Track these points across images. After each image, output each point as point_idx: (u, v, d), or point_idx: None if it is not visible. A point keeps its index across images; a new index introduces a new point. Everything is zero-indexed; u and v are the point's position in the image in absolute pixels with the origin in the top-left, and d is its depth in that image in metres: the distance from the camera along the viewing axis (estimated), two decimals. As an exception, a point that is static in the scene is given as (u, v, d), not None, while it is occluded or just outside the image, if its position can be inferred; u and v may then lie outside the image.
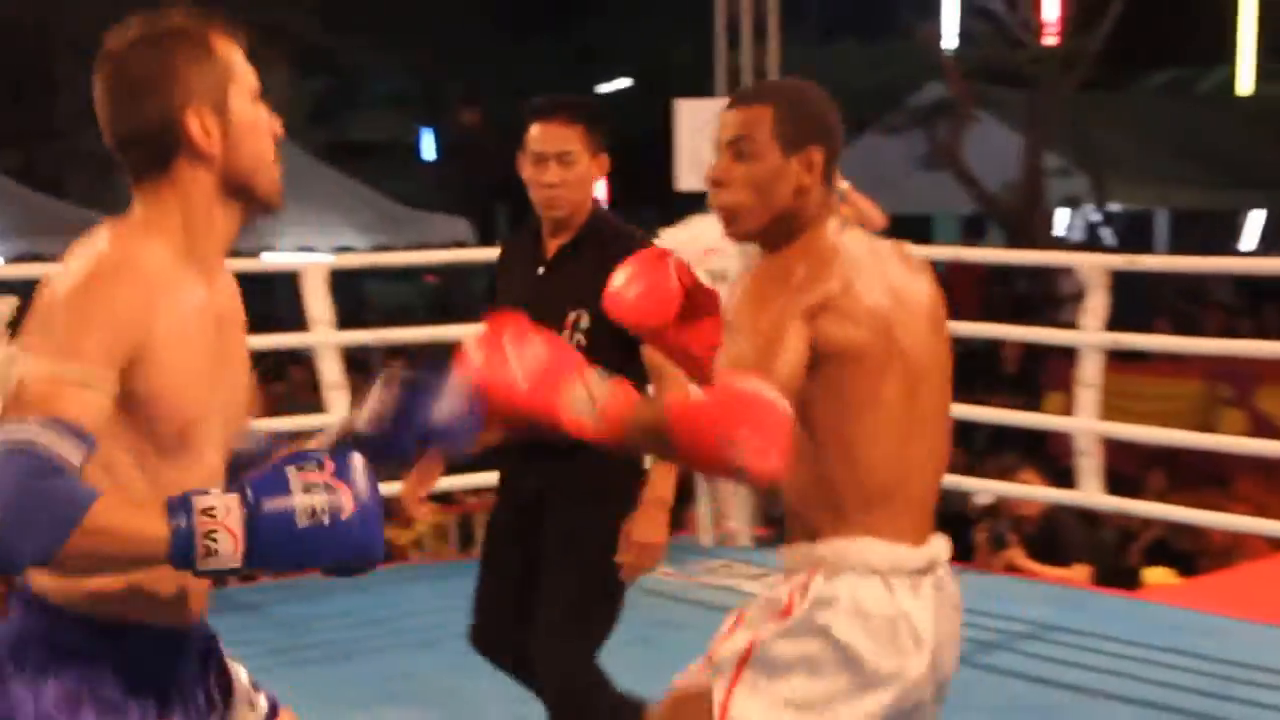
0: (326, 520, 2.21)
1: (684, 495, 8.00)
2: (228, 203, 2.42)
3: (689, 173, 7.87)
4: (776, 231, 2.91)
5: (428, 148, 29.11)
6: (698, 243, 7.50)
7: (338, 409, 7.03)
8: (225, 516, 2.14)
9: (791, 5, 9.85)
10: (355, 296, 16.86)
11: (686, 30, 20.55)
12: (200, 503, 2.15)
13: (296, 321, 7.95)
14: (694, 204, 8.04)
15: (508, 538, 4.39)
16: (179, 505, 2.14)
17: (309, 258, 7.94)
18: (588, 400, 2.66)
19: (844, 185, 7.56)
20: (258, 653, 4.48)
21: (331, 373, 7.23)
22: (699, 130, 7.82)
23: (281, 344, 8.55)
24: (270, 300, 14.52)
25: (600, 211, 4.39)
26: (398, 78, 28.04)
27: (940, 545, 2.97)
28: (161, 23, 2.40)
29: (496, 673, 5.26)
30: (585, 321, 4.10)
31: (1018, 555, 7.78)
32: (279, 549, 2.20)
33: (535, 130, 4.22)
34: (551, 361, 2.69)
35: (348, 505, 2.23)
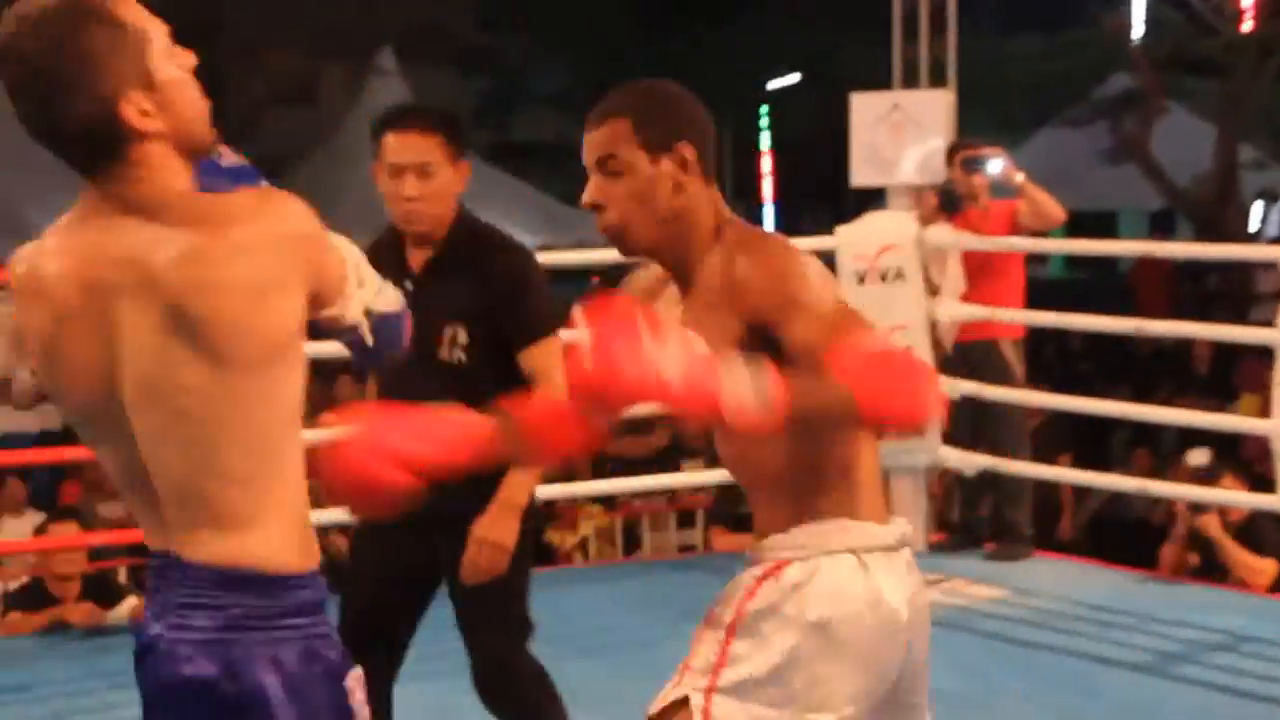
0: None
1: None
2: (180, 152, 2.34)
3: (864, 167, 7.72)
4: (672, 235, 2.86)
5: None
6: (873, 239, 7.39)
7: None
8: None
9: (970, -1, 9.67)
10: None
11: (856, 24, 20.40)
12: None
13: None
14: (868, 200, 7.90)
15: (382, 549, 4.23)
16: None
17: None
18: (750, 390, 2.50)
19: (1019, 178, 7.39)
20: (427, 654, 4.51)
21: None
22: (874, 124, 7.68)
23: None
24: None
25: (466, 219, 4.17)
26: (560, 77, 28.18)
27: (905, 525, 2.90)
28: (56, 5, 2.25)
29: (661, 678, 5.15)
30: (463, 337, 4.01)
31: (1213, 524, 7.37)
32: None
33: (391, 141, 4.01)
34: (694, 356, 2.53)
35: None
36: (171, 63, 2.33)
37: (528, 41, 26.55)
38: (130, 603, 6.70)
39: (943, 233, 7.40)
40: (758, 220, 28.10)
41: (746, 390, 2.48)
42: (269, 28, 24.62)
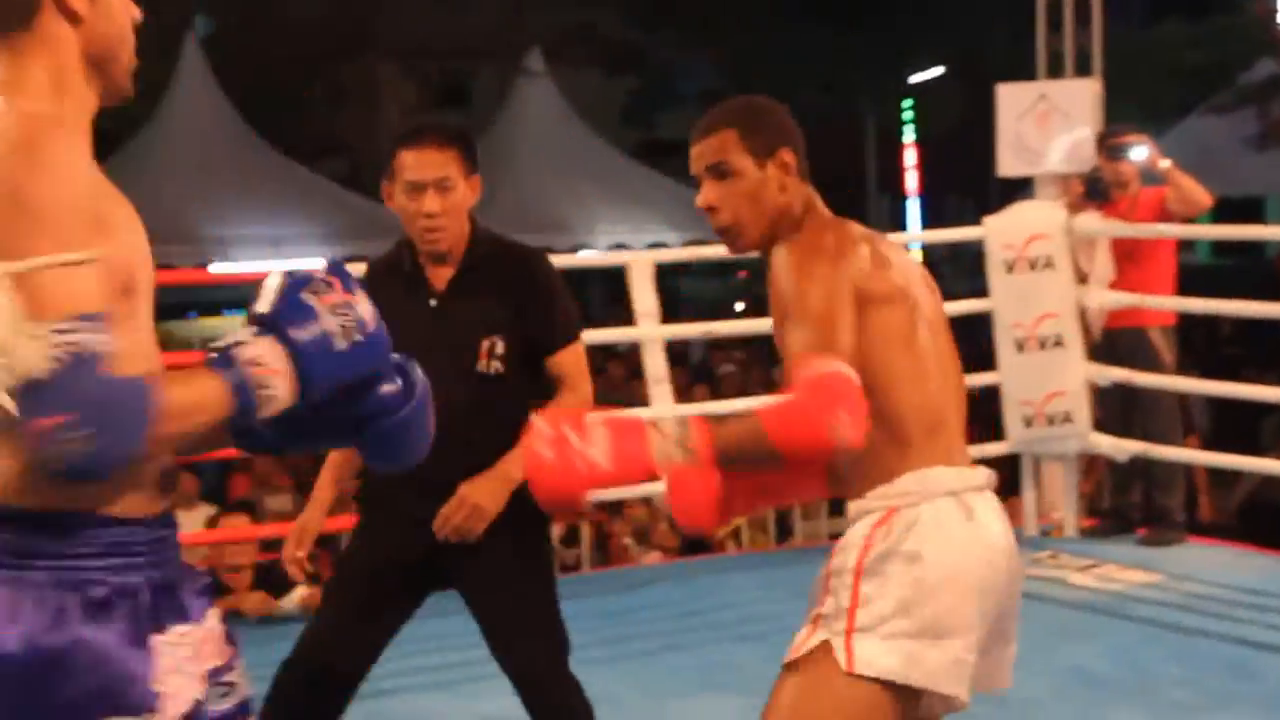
0: (359, 335, 2.25)
1: (1010, 488, 7.93)
2: (89, 75, 2.24)
3: (1012, 157, 7.76)
4: (776, 233, 3.11)
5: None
6: (1022, 228, 7.42)
7: (661, 402, 7.11)
8: (272, 361, 2.15)
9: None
10: (669, 292, 17.11)
11: (1000, 17, 20.31)
12: (242, 354, 2.14)
13: (609, 317, 8.08)
14: (1013, 190, 7.93)
15: (374, 564, 4.07)
16: (223, 361, 2.14)
17: (632, 254, 8.02)
18: (676, 446, 2.78)
19: (1165, 164, 7.39)
20: (587, 643, 4.48)
21: (656, 366, 7.22)
22: (1021, 115, 7.73)
23: (604, 339, 8.64)
24: (583, 297, 14.76)
25: (482, 233, 4.12)
26: (707, 75, 28.21)
27: (987, 472, 3.10)
28: None
29: None
30: (501, 348, 3.94)
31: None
32: (327, 376, 2.22)
33: (409, 158, 3.94)
34: (619, 432, 2.79)
35: (369, 314, 2.28)
36: None
37: (674, 40, 26.59)
38: (300, 591, 6.76)
39: (1091, 220, 7.41)
40: (901, 214, 28.14)
41: (672, 449, 2.75)
42: (422, 34, 24.91)
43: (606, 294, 20.12)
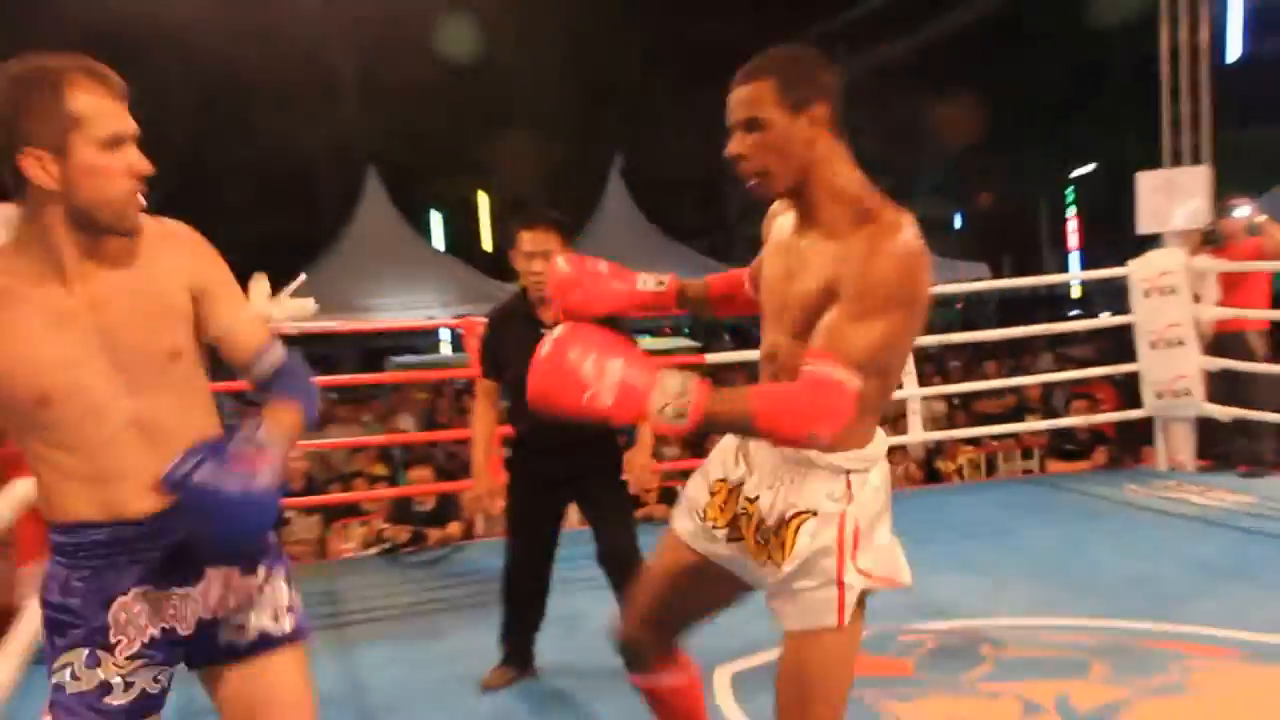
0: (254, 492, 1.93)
1: (1144, 438, 7.86)
2: (81, 228, 1.99)
3: (1147, 220, 7.68)
4: (802, 182, 2.36)
5: (956, 221, 29.04)
6: (1155, 267, 7.39)
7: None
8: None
9: (1222, 90, 9.53)
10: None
11: (1132, 126, 19.69)
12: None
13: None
14: (1145, 243, 7.89)
15: (534, 507, 4.26)
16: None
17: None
18: (673, 405, 2.15)
19: (1261, 219, 7.31)
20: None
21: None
22: (1153, 191, 7.66)
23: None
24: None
25: None
26: (937, 171, 27.99)
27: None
28: (23, 65, 1.95)
29: (1021, 551, 5.29)
30: None
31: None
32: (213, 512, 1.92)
33: (525, 236, 3.99)
34: (631, 377, 2.16)
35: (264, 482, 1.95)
36: (97, 152, 1.95)
37: (916, 153, 26.10)
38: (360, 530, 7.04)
39: (1202, 260, 7.35)
40: (1066, 261, 27.59)
41: (670, 402, 2.15)
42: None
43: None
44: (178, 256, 2.14)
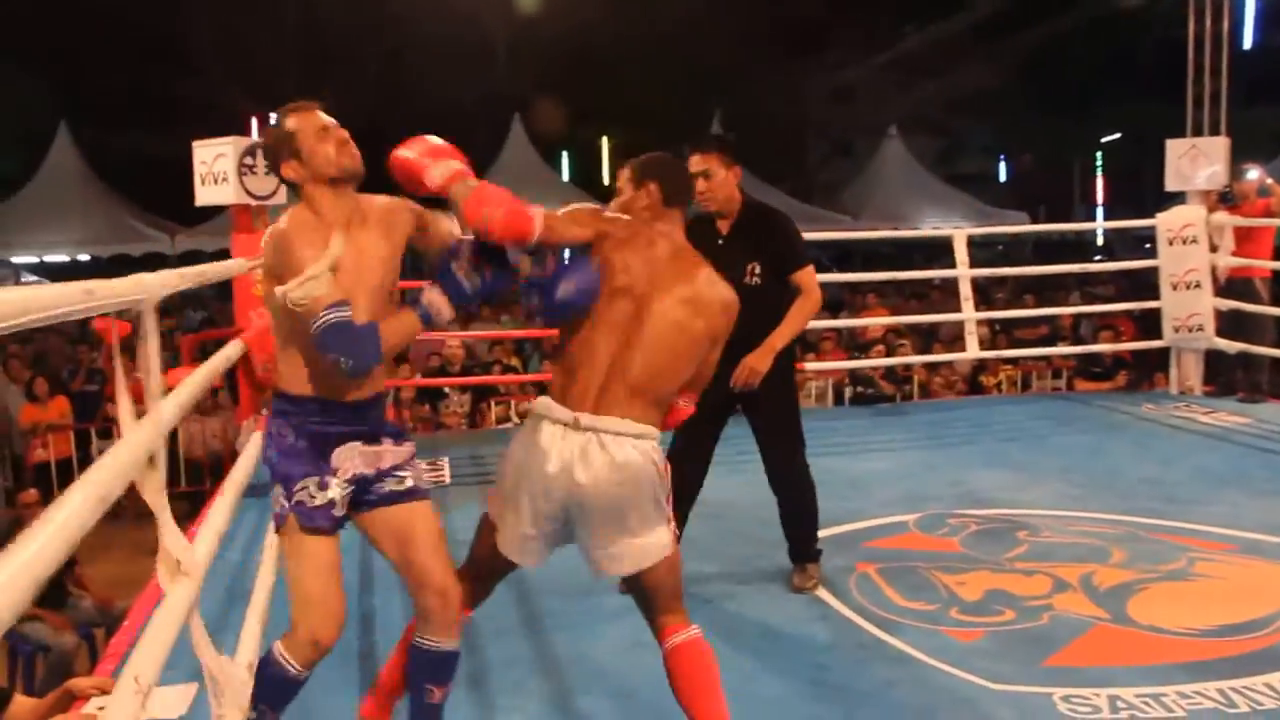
0: (479, 279, 2.34)
1: (1159, 364, 7.65)
2: (330, 186, 2.33)
3: (1174, 180, 7.38)
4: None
5: (1002, 173, 28.28)
6: (1179, 220, 7.14)
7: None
8: (435, 298, 2.30)
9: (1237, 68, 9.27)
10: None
11: (1156, 99, 18.87)
12: (423, 297, 2.31)
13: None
14: (1169, 199, 7.65)
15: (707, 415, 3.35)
16: (416, 300, 2.31)
17: (955, 231, 7.89)
18: (460, 188, 2.32)
19: (1269, 181, 7.08)
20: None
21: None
22: (1179, 157, 7.37)
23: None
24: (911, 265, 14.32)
25: (748, 201, 3.68)
26: (987, 134, 27.19)
27: (591, 419, 2.34)
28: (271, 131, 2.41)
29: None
30: (759, 269, 3.56)
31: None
32: (459, 297, 2.33)
33: (694, 158, 3.55)
34: (437, 151, 2.37)
35: (487, 269, 2.36)
36: (317, 140, 2.32)
37: (972, 118, 25.31)
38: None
39: (1220, 216, 7.07)
40: (1094, 214, 26.89)
41: (458, 191, 2.33)
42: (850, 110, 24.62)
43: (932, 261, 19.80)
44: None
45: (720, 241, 3.59)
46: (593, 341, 2.36)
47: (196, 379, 2.78)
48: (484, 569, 2.53)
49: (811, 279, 3.63)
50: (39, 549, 1.22)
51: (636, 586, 2.43)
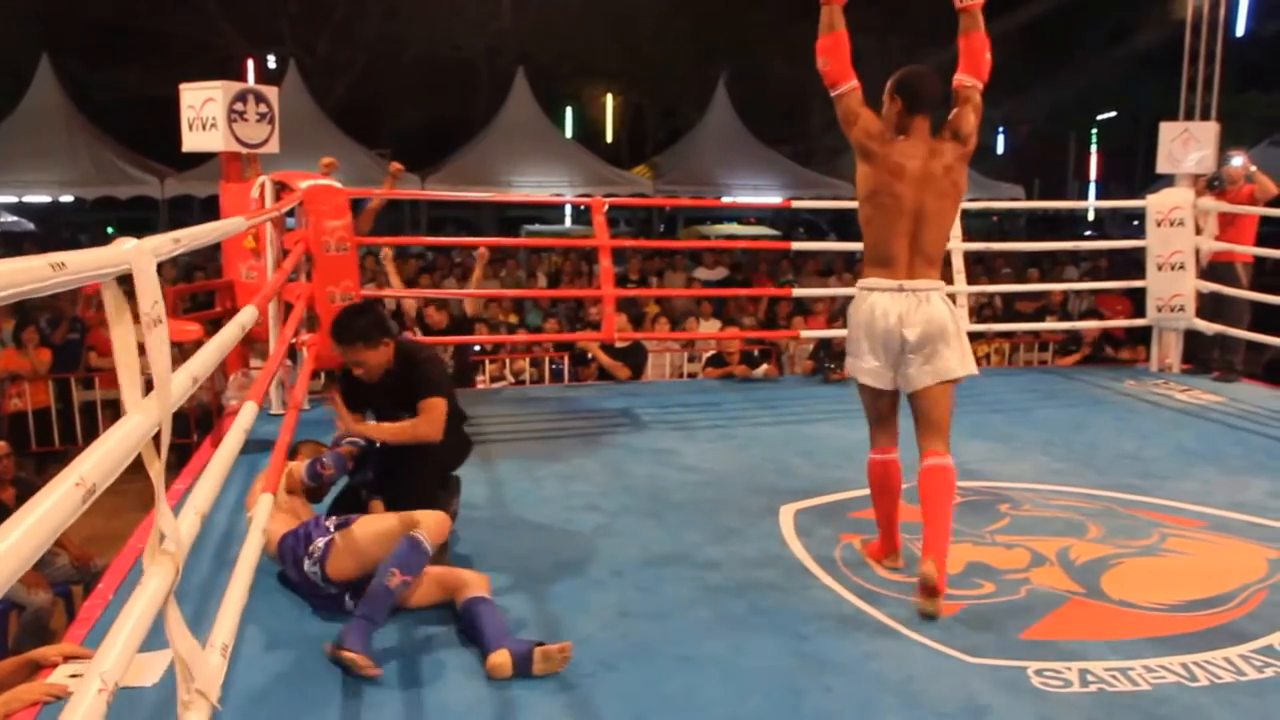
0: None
1: (1140, 339, 7.67)
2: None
3: (1165, 162, 7.35)
4: None
5: (999, 147, 28.09)
6: (1167, 202, 7.11)
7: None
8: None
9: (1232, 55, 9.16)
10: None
11: (1155, 79, 18.70)
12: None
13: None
14: (1158, 181, 7.61)
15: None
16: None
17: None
18: None
19: (1253, 168, 7.06)
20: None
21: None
22: (1172, 139, 7.32)
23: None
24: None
25: (399, 353, 3.68)
26: (987, 106, 26.84)
27: (912, 283, 3.32)
28: None
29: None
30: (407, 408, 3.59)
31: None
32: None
33: (345, 353, 3.60)
34: None
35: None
36: None
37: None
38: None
39: (1206, 201, 7.05)
40: (1087, 191, 26.73)
41: None
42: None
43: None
44: None
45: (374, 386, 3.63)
46: (896, 229, 3.26)
47: (209, 352, 2.38)
48: (873, 413, 3.45)
49: (437, 409, 3.51)
50: (35, 522, 1.23)
51: (921, 407, 3.30)
